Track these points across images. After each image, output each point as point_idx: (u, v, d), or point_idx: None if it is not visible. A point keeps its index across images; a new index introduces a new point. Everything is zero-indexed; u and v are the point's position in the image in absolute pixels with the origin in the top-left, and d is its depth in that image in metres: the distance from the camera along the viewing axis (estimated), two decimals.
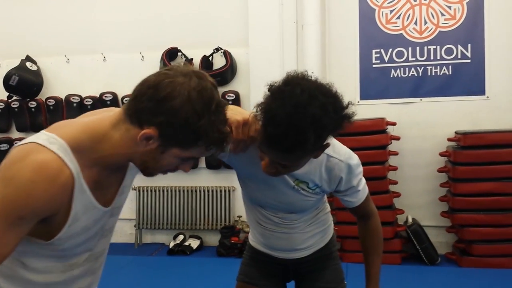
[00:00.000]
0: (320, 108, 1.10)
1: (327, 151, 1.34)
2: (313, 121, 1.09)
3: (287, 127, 1.08)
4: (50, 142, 0.98)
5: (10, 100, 4.76)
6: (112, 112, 1.07)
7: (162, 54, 4.41)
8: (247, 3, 4.29)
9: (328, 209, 1.65)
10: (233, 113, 1.26)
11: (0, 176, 0.96)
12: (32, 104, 4.71)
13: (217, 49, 4.40)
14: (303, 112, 1.08)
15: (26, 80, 4.56)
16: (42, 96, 4.75)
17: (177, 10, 4.56)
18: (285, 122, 1.08)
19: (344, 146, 1.41)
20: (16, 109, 4.74)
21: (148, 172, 1.09)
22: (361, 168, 1.44)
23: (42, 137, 0.99)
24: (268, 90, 1.16)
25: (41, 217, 0.99)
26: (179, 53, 4.52)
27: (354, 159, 1.40)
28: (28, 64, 4.65)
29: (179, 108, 0.95)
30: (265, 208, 1.50)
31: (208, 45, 4.40)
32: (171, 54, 4.48)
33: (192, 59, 4.45)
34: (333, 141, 1.38)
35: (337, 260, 1.67)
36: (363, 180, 1.47)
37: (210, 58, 4.45)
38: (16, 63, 4.60)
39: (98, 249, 1.19)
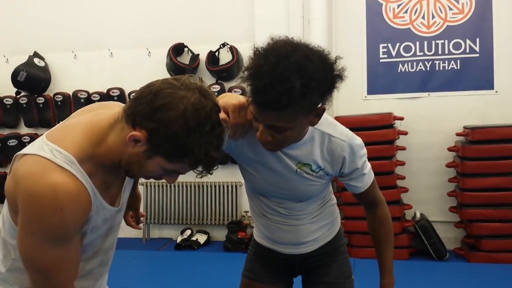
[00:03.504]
0: (303, 57, 1.10)
1: (329, 131, 1.33)
2: (298, 68, 1.08)
3: (272, 77, 1.07)
4: (55, 155, 0.98)
5: (18, 96, 4.79)
6: (111, 112, 1.07)
7: (169, 50, 4.41)
8: None
9: (334, 200, 1.61)
10: (229, 98, 1.25)
11: (24, 200, 0.97)
12: (40, 100, 4.73)
13: (224, 45, 4.39)
14: (286, 61, 1.08)
15: (34, 76, 4.59)
16: (50, 92, 4.78)
17: (184, 5, 4.56)
18: (270, 73, 1.08)
19: (347, 129, 1.38)
20: (24, 105, 4.77)
21: (130, 174, 1.11)
22: (365, 151, 1.39)
23: (45, 149, 0.99)
24: (253, 53, 1.15)
25: (80, 229, 1.04)
26: (186, 49, 4.51)
27: (357, 140, 1.36)
28: (36, 60, 4.67)
29: (171, 120, 0.96)
30: (269, 198, 1.46)
31: (214, 41, 4.40)
32: (178, 49, 4.47)
33: (198, 54, 4.44)
34: (334, 123, 1.37)
35: (344, 254, 1.62)
36: (369, 165, 1.43)
37: (217, 53, 4.45)
38: (24, 59, 4.63)
39: (107, 244, 1.22)
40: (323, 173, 1.38)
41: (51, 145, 1.00)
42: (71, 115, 1.18)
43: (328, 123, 1.35)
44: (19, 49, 4.76)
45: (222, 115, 1.24)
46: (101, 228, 1.13)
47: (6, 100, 4.80)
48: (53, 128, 1.09)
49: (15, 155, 1.04)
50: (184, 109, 0.96)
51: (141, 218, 1.53)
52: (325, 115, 1.33)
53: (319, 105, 1.19)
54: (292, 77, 1.07)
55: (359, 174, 1.40)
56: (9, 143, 4.75)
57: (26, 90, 4.74)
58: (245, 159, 1.39)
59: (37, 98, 4.73)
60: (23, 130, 4.85)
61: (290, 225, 1.49)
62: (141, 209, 5.26)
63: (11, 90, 4.75)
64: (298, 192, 1.41)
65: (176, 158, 1.01)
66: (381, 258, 1.52)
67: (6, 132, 4.85)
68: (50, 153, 0.98)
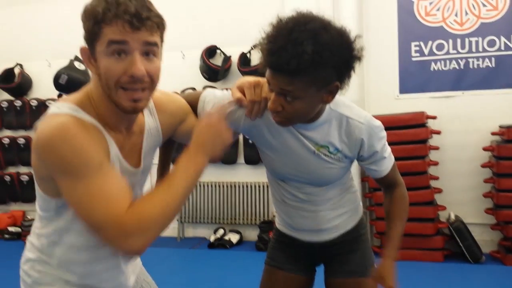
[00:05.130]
0: (320, 26, 1.12)
1: (346, 112, 1.33)
2: (313, 35, 1.10)
3: (286, 41, 1.10)
4: (59, 108, 1.04)
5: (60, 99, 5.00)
6: None
7: (202, 52, 4.51)
8: None
9: (355, 188, 1.60)
10: (245, 78, 1.30)
11: (43, 153, 0.99)
12: None
13: (255, 46, 4.43)
14: (303, 27, 1.11)
15: (74, 79, 4.76)
16: None
17: (216, 9, 4.66)
18: (285, 37, 1.11)
19: (365, 111, 1.37)
20: None
21: (120, 101, 1.04)
22: (384, 133, 1.38)
23: (51, 108, 1.06)
24: (275, 21, 1.18)
25: (107, 156, 1.04)
26: (218, 51, 4.61)
27: (375, 122, 1.35)
28: (77, 63, 4.85)
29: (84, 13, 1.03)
30: (289, 183, 1.46)
31: (246, 42, 4.45)
32: (210, 52, 4.57)
33: (230, 56, 4.53)
34: (352, 105, 1.36)
35: (366, 243, 1.59)
36: (388, 148, 1.42)
37: (248, 54, 4.51)
38: (65, 63, 4.80)
39: None
40: (341, 155, 1.37)
41: (55, 103, 1.07)
42: None
43: (346, 105, 1.35)
44: (60, 53, 4.96)
45: (238, 93, 1.29)
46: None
47: (49, 103, 5.03)
48: None
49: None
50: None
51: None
52: (342, 98, 1.34)
53: (333, 82, 1.18)
54: (305, 42, 1.09)
55: (379, 158, 1.39)
56: None
57: (67, 92, 4.93)
58: (263, 141, 1.39)
59: None
60: None
61: (310, 211, 1.48)
62: None
63: (53, 93, 4.96)
64: (317, 175, 1.39)
65: (97, 30, 1.00)
66: (389, 231, 1.47)
67: None
68: (55, 109, 1.04)
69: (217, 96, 1.36)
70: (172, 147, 1.47)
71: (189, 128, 1.33)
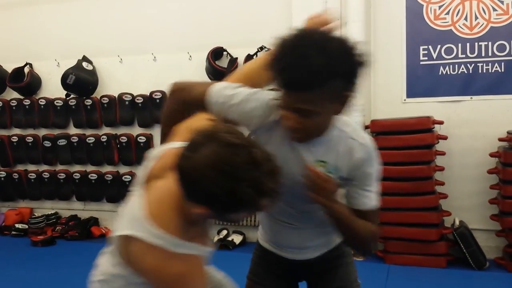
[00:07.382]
0: (323, 37, 1.16)
1: (349, 132, 1.32)
2: (316, 46, 1.12)
3: (293, 56, 1.12)
4: (166, 240, 1.14)
5: (67, 98, 5.05)
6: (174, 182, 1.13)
7: (208, 54, 4.51)
8: (291, 0, 4.31)
9: None
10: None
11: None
12: (88, 102, 4.97)
13: (262, 48, 4.44)
14: (307, 40, 1.14)
15: (82, 79, 4.82)
16: (97, 94, 5.00)
17: (222, 10, 4.64)
18: (291, 52, 1.13)
19: (367, 135, 1.37)
20: (73, 107, 5.02)
21: None
22: (379, 165, 1.36)
23: (153, 233, 1.14)
24: (279, 42, 1.20)
25: None
26: (224, 53, 4.61)
27: (374, 149, 1.35)
28: (84, 64, 4.90)
29: (206, 190, 1.04)
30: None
31: (252, 44, 4.45)
32: (217, 53, 4.57)
33: (236, 58, 4.52)
34: (356, 126, 1.36)
35: (349, 258, 1.59)
36: (377, 187, 1.38)
37: (254, 56, 4.50)
38: (73, 63, 4.85)
39: None
40: (337, 176, 1.33)
41: (156, 231, 1.13)
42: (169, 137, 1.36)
43: (349, 125, 1.35)
44: (68, 53, 5.01)
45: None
46: None
47: (57, 102, 5.07)
48: (148, 198, 1.20)
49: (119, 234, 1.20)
50: (209, 176, 1.03)
51: None
52: (347, 118, 1.33)
53: (344, 91, 1.19)
54: (310, 53, 1.11)
55: (368, 184, 1.35)
56: (59, 142, 5.01)
57: (75, 92, 4.99)
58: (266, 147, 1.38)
59: (85, 100, 4.97)
60: (72, 130, 5.10)
61: (296, 228, 1.47)
62: None
63: (61, 93, 5.00)
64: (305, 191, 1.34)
65: (235, 211, 1.10)
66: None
67: (56, 132, 5.12)
68: (161, 241, 1.13)
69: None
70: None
71: None
